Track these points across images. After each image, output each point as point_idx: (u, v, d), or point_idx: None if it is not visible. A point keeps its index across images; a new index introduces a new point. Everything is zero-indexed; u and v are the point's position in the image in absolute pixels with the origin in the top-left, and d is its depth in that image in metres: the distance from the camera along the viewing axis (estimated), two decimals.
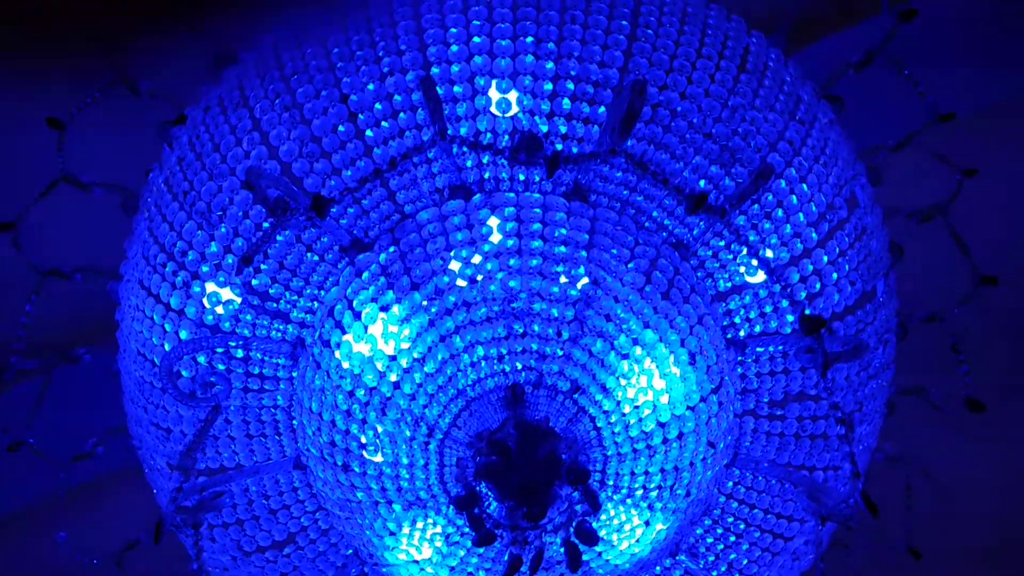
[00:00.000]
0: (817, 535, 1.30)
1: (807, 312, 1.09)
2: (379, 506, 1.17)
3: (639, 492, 1.15)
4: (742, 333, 1.29)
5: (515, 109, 1.23)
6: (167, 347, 1.24)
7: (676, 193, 1.16)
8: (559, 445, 1.05)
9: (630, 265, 1.17)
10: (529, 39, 1.23)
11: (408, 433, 1.12)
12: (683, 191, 1.17)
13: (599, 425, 1.12)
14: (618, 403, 1.12)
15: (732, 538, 1.35)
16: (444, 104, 1.17)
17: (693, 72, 1.25)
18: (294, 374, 1.26)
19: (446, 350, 1.11)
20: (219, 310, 1.25)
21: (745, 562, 1.36)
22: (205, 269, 1.26)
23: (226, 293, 1.25)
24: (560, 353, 1.10)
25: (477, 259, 1.14)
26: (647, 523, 1.19)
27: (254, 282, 1.24)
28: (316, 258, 1.23)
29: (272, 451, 1.31)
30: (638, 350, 1.13)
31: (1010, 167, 1.95)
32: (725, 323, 1.28)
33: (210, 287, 1.26)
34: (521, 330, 1.10)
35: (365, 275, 1.19)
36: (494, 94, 1.23)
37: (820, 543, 1.30)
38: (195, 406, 1.19)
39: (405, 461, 1.14)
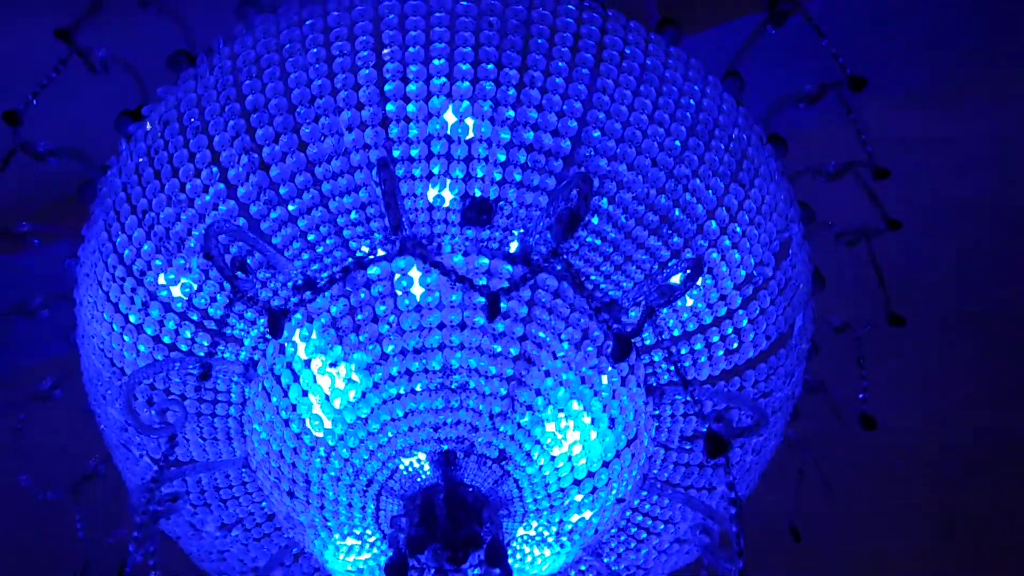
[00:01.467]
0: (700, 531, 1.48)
1: (712, 432, 1.20)
2: (318, 530, 1.31)
3: (552, 536, 1.31)
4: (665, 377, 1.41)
5: (471, 134, 1.28)
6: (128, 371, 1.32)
7: (604, 309, 1.24)
8: (481, 524, 1.18)
9: (563, 337, 1.26)
10: (489, 85, 1.27)
11: (348, 480, 1.25)
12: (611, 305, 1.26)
13: (522, 486, 1.25)
14: (540, 467, 1.25)
15: (633, 543, 1.52)
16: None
17: (643, 140, 1.30)
18: (246, 392, 1.36)
19: (388, 414, 1.22)
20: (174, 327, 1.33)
21: (643, 561, 1.55)
22: (163, 295, 1.32)
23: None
24: (490, 427, 1.21)
25: (419, 326, 1.23)
26: (557, 554, 1.35)
27: (210, 311, 1.32)
28: (270, 294, 1.31)
29: (224, 451, 1.43)
30: (563, 420, 1.25)
31: None
32: (648, 372, 1.39)
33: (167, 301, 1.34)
34: (457, 404, 1.21)
35: (316, 324, 1.27)
36: (450, 117, 1.28)
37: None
38: (154, 435, 1.29)
39: (344, 501, 1.26)
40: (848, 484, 1.94)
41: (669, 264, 1.28)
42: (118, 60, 1.54)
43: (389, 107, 1.25)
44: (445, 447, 1.22)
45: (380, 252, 1.28)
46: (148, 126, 1.38)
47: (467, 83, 1.25)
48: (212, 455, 1.43)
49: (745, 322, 1.41)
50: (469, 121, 1.27)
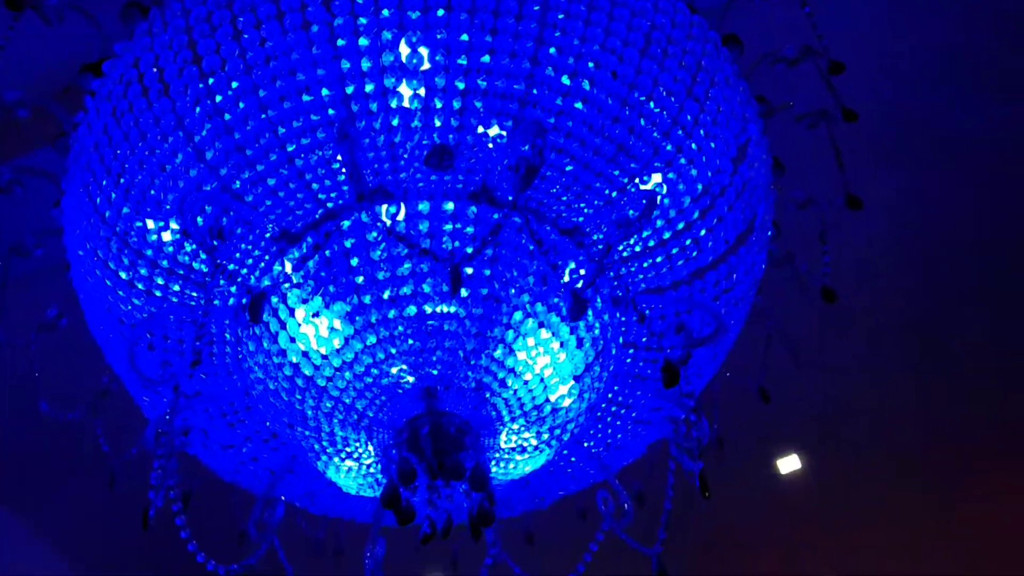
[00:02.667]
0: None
1: (668, 362, 1.29)
2: (317, 452, 1.43)
3: (531, 445, 1.43)
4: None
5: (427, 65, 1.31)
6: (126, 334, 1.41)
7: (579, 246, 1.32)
8: (464, 451, 1.30)
9: (529, 271, 1.34)
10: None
11: (341, 416, 1.36)
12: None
13: (500, 408, 1.37)
14: (515, 391, 1.36)
15: (599, 424, 1.66)
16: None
17: (596, 71, 1.33)
18: (239, 332, 1.45)
19: (370, 357, 1.32)
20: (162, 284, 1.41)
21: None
22: (149, 253, 1.39)
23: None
24: (465, 363, 1.31)
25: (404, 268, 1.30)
26: (537, 457, 1.48)
27: (194, 265, 1.39)
28: (249, 247, 1.38)
29: (225, 385, 1.54)
30: (533, 348, 1.34)
31: None
32: (615, 284, 1.48)
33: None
34: (433, 345, 1.30)
35: (295, 276, 1.34)
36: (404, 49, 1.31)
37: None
38: (157, 390, 1.39)
39: (340, 433, 1.38)
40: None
41: (623, 201, 1.33)
42: (73, 7, 1.54)
43: (339, 43, 1.27)
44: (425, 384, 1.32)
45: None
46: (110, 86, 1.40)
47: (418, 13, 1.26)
48: (215, 388, 1.54)
49: (703, 232, 1.48)
50: (424, 51, 1.29)
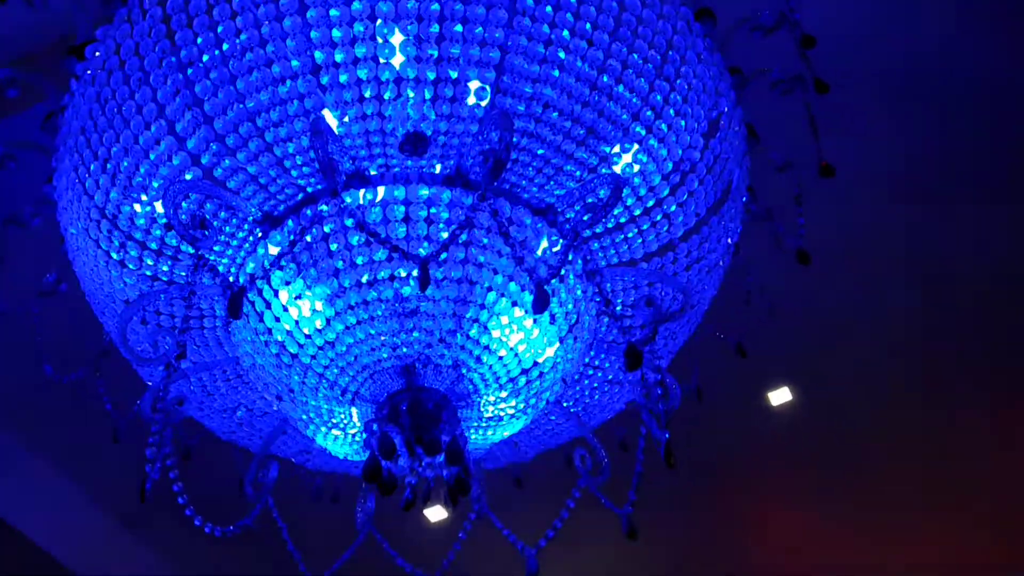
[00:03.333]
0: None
1: (632, 346, 1.34)
2: (305, 422, 1.51)
3: (508, 415, 1.51)
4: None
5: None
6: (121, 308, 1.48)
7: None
8: (441, 425, 1.37)
9: (502, 252, 1.39)
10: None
11: (326, 391, 1.43)
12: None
13: (476, 383, 1.43)
14: (490, 367, 1.43)
15: (576, 386, 1.74)
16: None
17: (566, 58, 1.36)
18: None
19: (351, 337, 1.38)
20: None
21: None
22: (138, 236, 1.45)
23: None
24: (441, 343, 1.37)
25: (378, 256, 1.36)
26: (515, 423, 1.55)
27: (182, 247, 1.45)
28: (232, 230, 1.43)
29: (217, 354, 1.62)
30: (507, 327, 1.41)
31: None
32: (588, 258, 1.53)
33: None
34: (411, 326, 1.36)
35: (282, 261, 1.40)
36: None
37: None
38: (150, 366, 1.46)
39: (325, 406, 1.46)
40: None
41: (593, 182, 1.37)
42: None
43: (313, 34, 1.30)
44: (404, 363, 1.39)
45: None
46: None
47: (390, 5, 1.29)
48: (207, 358, 1.61)
49: (674, 207, 1.52)
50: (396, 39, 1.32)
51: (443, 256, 1.32)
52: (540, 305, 1.24)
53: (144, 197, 1.42)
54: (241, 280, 1.44)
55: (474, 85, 1.33)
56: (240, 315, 1.25)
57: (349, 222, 1.35)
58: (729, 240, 1.69)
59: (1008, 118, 3.10)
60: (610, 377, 1.72)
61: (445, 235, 1.36)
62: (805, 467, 4.31)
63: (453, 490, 1.39)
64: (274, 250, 1.41)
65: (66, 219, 1.57)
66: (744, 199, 1.73)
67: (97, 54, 1.44)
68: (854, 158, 3.22)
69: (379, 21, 1.30)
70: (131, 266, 1.48)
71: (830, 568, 4.86)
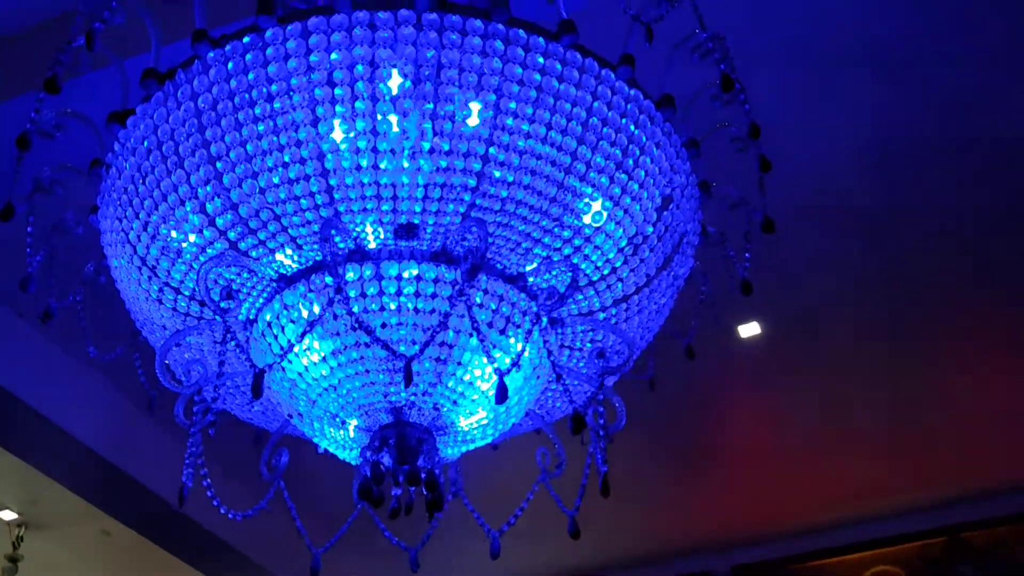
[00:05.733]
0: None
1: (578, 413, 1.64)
2: (311, 434, 1.83)
3: (481, 433, 1.82)
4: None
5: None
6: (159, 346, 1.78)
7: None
8: (420, 456, 1.69)
9: (480, 319, 1.67)
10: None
11: (329, 420, 1.74)
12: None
13: (453, 417, 1.74)
14: (465, 406, 1.73)
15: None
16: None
17: (536, 163, 1.60)
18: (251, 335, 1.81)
19: (350, 383, 1.68)
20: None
21: None
22: (174, 284, 1.73)
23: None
24: (424, 393, 1.68)
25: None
26: (485, 437, 1.87)
27: (212, 294, 1.73)
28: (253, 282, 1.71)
29: (243, 365, 1.92)
30: (479, 378, 1.70)
31: None
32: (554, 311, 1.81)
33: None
34: (400, 379, 1.66)
35: (294, 314, 1.68)
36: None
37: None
38: (187, 392, 1.77)
39: (328, 430, 1.78)
40: None
41: (550, 273, 1.64)
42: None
43: (322, 128, 1.55)
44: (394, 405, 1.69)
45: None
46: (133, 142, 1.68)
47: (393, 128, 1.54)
48: (230, 369, 1.91)
49: (627, 272, 1.79)
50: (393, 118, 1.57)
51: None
52: (501, 397, 1.53)
53: (179, 260, 1.69)
54: (261, 327, 1.73)
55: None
56: (261, 394, 1.55)
57: (353, 292, 1.63)
58: (676, 284, 1.97)
59: None
60: (566, 382, 2.03)
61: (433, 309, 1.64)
62: (769, 389, 4.68)
63: (430, 507, 1.72)
64: (287, 305, 1.69)
65: (110, 251, 1.84)
66: (694, 248, 1.99)
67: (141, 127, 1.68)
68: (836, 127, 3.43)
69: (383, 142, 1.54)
70: (167, 304, 1.77)
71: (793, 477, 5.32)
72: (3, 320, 4.03)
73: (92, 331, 2.11)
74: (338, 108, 1.54)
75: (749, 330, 4.31)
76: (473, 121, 1.56)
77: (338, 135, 1.54)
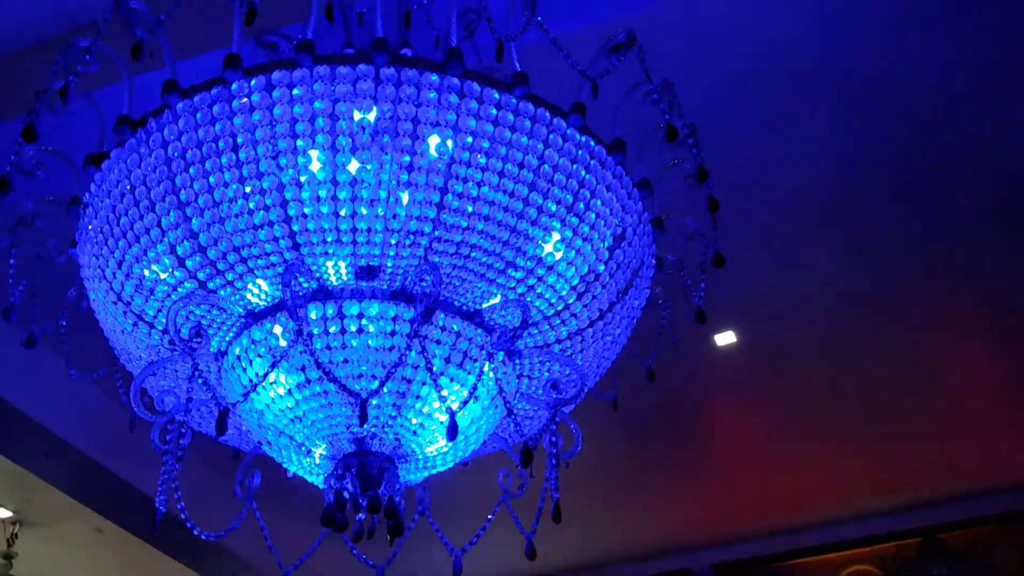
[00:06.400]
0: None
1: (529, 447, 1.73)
2: (279, 460, 1.93)
3: (442, 458, 1.92)
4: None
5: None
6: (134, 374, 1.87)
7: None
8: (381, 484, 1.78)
9: (437, 354, 1.76)
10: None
11: (295, 448, 1.84)
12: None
13: (413, 446, 1.84)
14: (424, 436, 1.82)
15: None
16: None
17: (490, 209, 1.69)
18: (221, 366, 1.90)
19: (314, 415, 1.77)
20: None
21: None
22: (147, 317, 1.82)
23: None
24: (384, 425, 1.77)
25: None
26: (447, 462, 1.97)
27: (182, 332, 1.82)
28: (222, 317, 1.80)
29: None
30: (437, 409, 1.80)
31: None
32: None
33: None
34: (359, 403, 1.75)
35: (262, 349, 1.77)
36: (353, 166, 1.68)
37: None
38: (160, 422, 1.86)
39: (295, 457, 1.87)
40: None
41: (505, 311, 1.73)
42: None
43: (287, 194, 1.64)
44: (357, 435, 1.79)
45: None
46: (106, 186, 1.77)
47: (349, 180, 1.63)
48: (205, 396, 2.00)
49: (580, 308, 1.88)
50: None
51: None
52: (451, 434, 1.63)
53: (151, 297, 1.78)
54: (231, 359, 1.82)
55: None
56: (225, 430, 1.64)
57: (316, 330, 1.72)
58: (632, 315, 2.06)
59: None
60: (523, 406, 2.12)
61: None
62: (743, 394, 4.78)
63: (391, 531, 1.82)
64: (254, 340, 1.79)
65: (88, 284, 1.93)
66: (648, 280, 2.08)
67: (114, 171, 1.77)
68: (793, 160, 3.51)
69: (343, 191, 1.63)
70: (141, 337, 1.86)
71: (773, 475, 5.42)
72: None
73: (79, 338, 2.20)
74: (299, 159, 1.63)
75: (725, 339, 4.40)
76: (430, 169, 1.65)
77: (301, 181, 1.63)
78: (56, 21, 2.89)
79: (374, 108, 1.63)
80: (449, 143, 1.66)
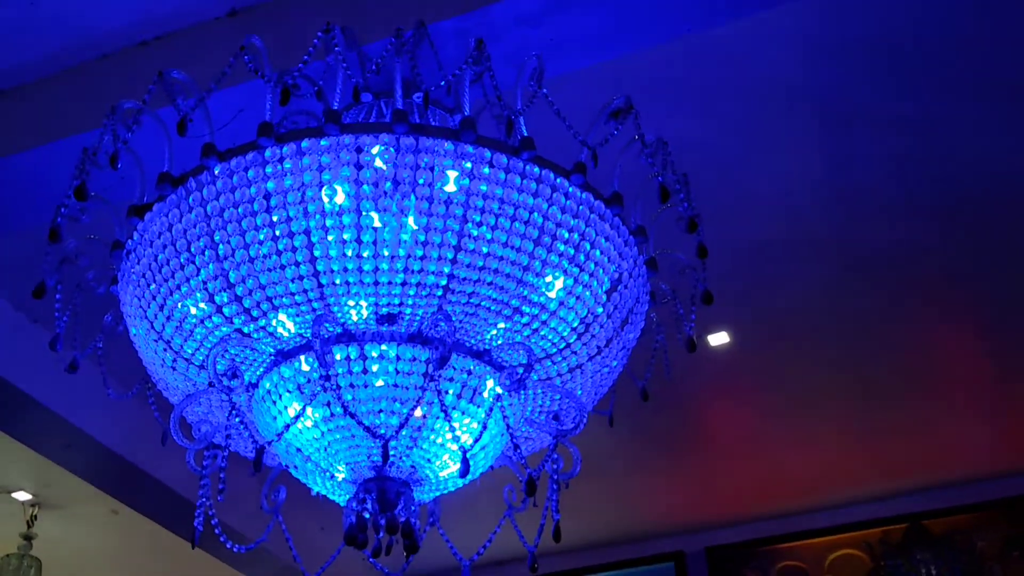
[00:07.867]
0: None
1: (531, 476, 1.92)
2: (305, 481, 2.11)
3: (450, 486, 2.11)
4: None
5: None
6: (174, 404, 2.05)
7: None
8: (398, 511, 1.97)
9: (449, 391, 1.95)
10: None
11: (320, 473, 2.02)
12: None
13: (428, 471, 2.02)
14: (437, 463, 2.01)
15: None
16: None
17: (499, 263, 1.86)
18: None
19: (337, 446, 1.96)
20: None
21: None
22: (186, 355, 2.00)
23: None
24: (402, 455, 1.96)
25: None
26: (458, 483, 2.16)
27: (218, 367, 2.00)
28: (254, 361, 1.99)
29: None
30: (449, 440, 1.98)
31: None
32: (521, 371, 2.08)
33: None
34: (380, 443, 1.94)
35: (291, 385, 1.96)
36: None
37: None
38: (199, 448, 2.05)
39: (319, 481, 2.06)
40: None
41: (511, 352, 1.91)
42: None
43: (314, 238, 1.81)
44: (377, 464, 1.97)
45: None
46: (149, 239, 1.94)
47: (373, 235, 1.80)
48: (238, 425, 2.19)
49: (579, 347, 2.06)
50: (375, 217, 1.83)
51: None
52: (464, 471, 1.81)
53: (190, 339, 1.96)
54: (262, 392, 2.00)
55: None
56: (260, 470, 1.82)
57: (341, 370, 1.90)
58: (627, 347, 2.24)
59: None
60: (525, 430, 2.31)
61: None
62: (736, 394, 4.97)
63: (407, 549, 2.01)
64: (284, 377, 1.97)
65: (129, 320, 2.10)
66: (643, 315, 2.26)
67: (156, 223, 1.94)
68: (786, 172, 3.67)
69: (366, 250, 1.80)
70: (179, 372, 2.04)
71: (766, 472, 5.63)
72: (17, 324, 4.29)
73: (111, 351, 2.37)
74: (328, 222, 1.80)
75: (719, 339, 4.58)
76: (444, 228, 1.83)
77: (328, 241, 1.80)
78: (82, 48, 3.03)
79: (395, 174, 1.80)
80: (461, 208, 1.83)
